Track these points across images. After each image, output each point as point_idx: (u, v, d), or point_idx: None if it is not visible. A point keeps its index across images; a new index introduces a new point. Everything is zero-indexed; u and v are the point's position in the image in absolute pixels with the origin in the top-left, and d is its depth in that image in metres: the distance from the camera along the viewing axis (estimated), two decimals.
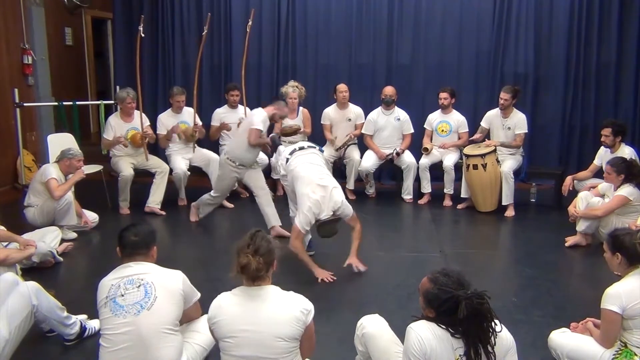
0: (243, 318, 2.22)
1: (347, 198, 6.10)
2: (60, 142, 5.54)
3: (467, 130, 6.16)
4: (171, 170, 5.82)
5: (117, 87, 6.38)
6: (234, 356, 2.22)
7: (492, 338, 2.01)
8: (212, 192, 5.12)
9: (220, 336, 2.26)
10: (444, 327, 2.02)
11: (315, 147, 4.45)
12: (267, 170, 6.37)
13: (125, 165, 5.64)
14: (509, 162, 5.68)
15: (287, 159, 4.25)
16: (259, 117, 4.72)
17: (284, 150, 4.42)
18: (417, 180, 6.15)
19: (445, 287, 2.03)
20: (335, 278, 3.97)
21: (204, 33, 5.84)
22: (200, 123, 6.08)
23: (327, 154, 6.26)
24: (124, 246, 2.54)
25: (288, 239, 4.54)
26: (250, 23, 5.98)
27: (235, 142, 4.87)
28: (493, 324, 2.02)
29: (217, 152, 6.20)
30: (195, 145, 6.06)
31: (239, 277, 2.28)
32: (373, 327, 2.47)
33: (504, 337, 2.08)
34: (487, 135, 5.98)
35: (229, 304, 2.26)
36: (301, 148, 4.30)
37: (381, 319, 2.53)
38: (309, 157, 4.23)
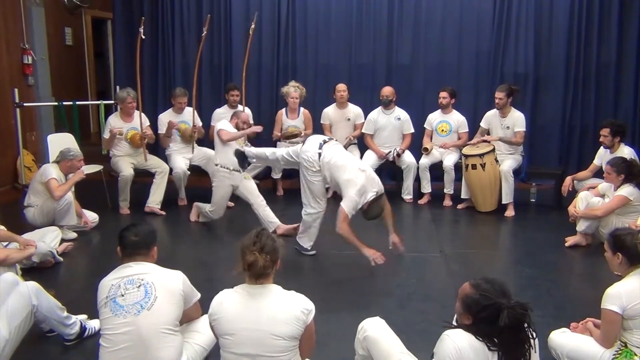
0: (243, 316, 2.22)
1: None
2: (60, 142, 5.53)
3: (467, 130, 6.16)
4: (171, 170, 5.82)
5: (117, 87, 6.38)
6: (233, 353, 2.22)
7: (528, 353, 1.98)
8: (209, 207, 5.16)
9: (221, 333, 2.26)
10: (480, 338, 1.98)
11: (333, 139, 4.54)
12: (267, 171, 6.39)
13: (125, 165, 5.64)
14: (509, 162, 5.68)
15: (319, 154, 4.24)
16: (223, 123, 5.08)
17: (308, 147, 4.32)
18: (417, 180, 6.15)
19: (487, 293, 1.99)
20: (385, 259, 4.03)
21: (203, 34, 5.84)
22: (199, 123, 6.08)
23: None
24: (124, 246, 2.54)
25: (292, 237, 4.58)
26: (253, 26, 5.98)
27: (218, 150, 5.04)
28: (531, 338, 1.99)
29: None
30: (195, 145, 6.06)
31: (243, 275, 2.28)
32: (375, 330, 2.44)
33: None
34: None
35: (230, 301, 2.27)
36: (324, 141, 4.35)
37: (383, 322, 2.50)
38: (337, 147, 4.37)
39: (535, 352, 2.03)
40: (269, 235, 2.31)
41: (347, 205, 4.01)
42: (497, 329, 1.94)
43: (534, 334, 2.01)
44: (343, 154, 4.30)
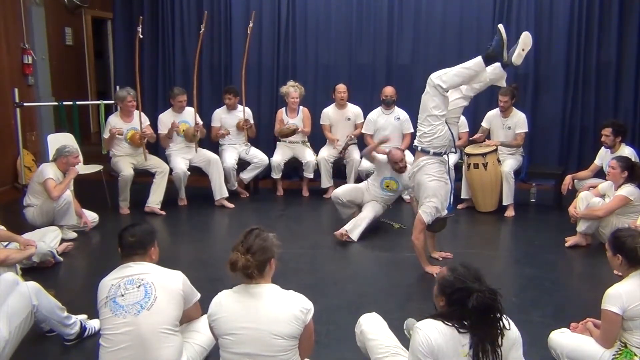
0: (243, 315, 2.22)
1: None
2: (60, 142, 5.50)
3: (467, 130, 6.15)
4: (171, 170, 5.81)
5: (117, 87, 6.37)
6: (233, 353, 2.23)
7: (500, 337, 2.04)
8: None
9: (220, 333, 2.26)
10: (449, 324, 2.05)
11: None
12: (267, 170, 6.38)
13: (125, 165, 5.64)
14: (510, 162, 5.68)
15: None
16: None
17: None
18: None
19: (461, 277, 2.08)
20: None
21: (201, 32, 5.84)
22: (201, 122, 6.08)
23: (327, 153, 6.27)
24: (122, 247, 2.55)
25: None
26: (251, 25, 5.98)
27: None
28: (501, 323, 2.05)
29: (217, 152, 6.19)
30: (197, 145, 6.04)
31: (238, 275, 2.27)
32: (369, 324, 2.55)
33: (510, 331, 2.10)
34: (487, 135, 5.98)
35: (229, 302, 2.27)
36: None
37: (378, 317, 2.60)
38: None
39: (505, 337, 2.07)
40: (259, 234, 2.28)
41: (426, 216, 3.98)
42: (467, 311, 2.02)
43: (506, 320, 2.06)
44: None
